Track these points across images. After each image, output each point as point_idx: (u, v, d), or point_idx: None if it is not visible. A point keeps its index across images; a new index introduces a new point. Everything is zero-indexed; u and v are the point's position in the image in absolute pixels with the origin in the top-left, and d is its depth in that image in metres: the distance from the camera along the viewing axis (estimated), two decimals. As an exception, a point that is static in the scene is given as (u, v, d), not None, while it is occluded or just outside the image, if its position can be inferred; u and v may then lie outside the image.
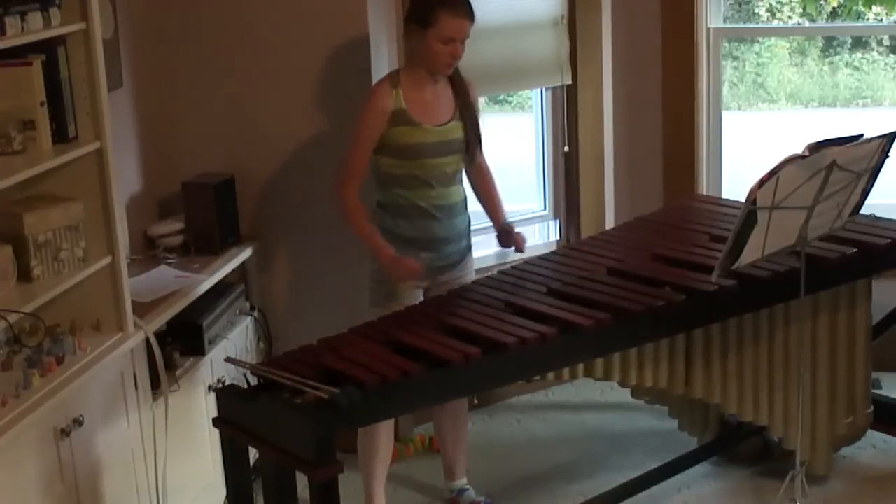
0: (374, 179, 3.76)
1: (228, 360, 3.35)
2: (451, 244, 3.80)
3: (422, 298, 3.76)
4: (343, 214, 3.73)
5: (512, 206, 5.10)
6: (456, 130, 3.73)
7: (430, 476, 4.19)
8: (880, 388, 4.44)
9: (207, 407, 3.74)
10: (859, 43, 8.35)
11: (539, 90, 4.88)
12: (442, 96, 3.73)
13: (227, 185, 4.18)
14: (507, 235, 3.91)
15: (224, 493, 3.46)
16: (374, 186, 3.78)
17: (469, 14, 3.62)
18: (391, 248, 3.65)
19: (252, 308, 4.27)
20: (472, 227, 3.93)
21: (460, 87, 3.77)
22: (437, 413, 4.00)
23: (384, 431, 3.78)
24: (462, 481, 4.05)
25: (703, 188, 5.00)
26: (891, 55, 8.35)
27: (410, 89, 3.66)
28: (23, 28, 2.94)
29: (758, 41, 8.15)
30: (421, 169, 3.68)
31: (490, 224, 4.00)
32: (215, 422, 3.13)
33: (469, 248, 3.90)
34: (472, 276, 3.90)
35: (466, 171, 3.88)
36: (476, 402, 4.71)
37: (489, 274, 3.79)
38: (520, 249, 3.92)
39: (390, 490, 4.08)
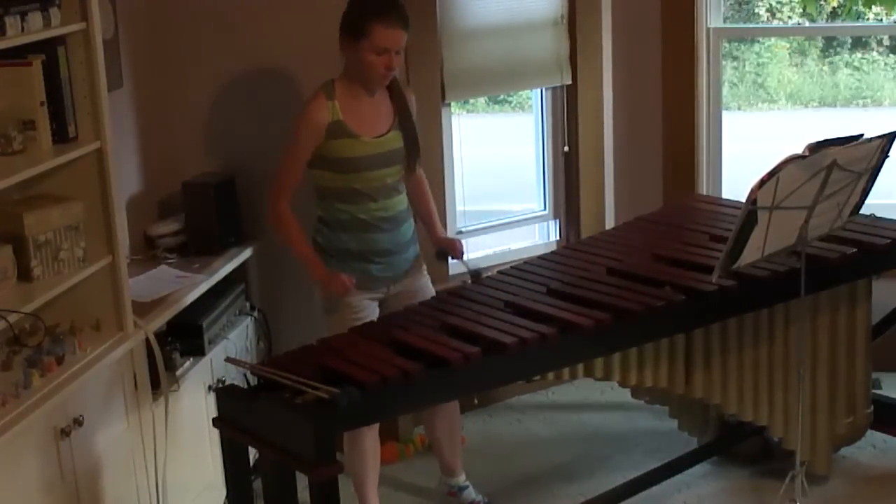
0: (313, 194, 3.72)
1: (228, 360, 3.35)
2: (397, 254, 3.74)
3: (377, 311, 3.73)
4: (275, 227, 3.70)
5: (512, 206, 5.13)
6: (395, 141, 3.67)
7: (430, 477, 4.18)
8: (880, 388, 4.44)
9: (207, 407, 3.74)
10: (859, 43, 8.36)
11: (539, 90, 4.87)
12: (380, 106, 3.66)
13: (227, 185, 4.18)
14: (446, 247, 3.86)
15: (224, 493, 3.46)
16: (313, 201, 3.73)
17: (402, 23, 3.54)
18: (322, 264, 3.64)
19: (252, 308, 4.27)
20: (472, 227, 3.91)
21: (398, 95, 3.70)
22: (429, 416, 3.96)
23: (368, 433, 3.73)
24: (462, 478, 4.04)
25: (703, 188, 5.00)
26: (891, 55, 8.36)
27: (346, 100, 3.59)
28: (23, 28, 2.94)
29: (758, 41, 8.15)
30: (360, 182, 3.62)
31: (483, 226, 3.96)
32: (215, 422, 3.13)
33: (418, 255, 3.84)
34: (428, 281, 3.86)
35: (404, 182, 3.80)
36: (476, 402, 4.71)
37: (489, 274, 3.79)
38: (456, 256, 3.85)
39: (390, 491, 4.08)
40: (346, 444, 3.75)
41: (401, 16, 3.54)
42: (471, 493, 4.02)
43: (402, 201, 3.74)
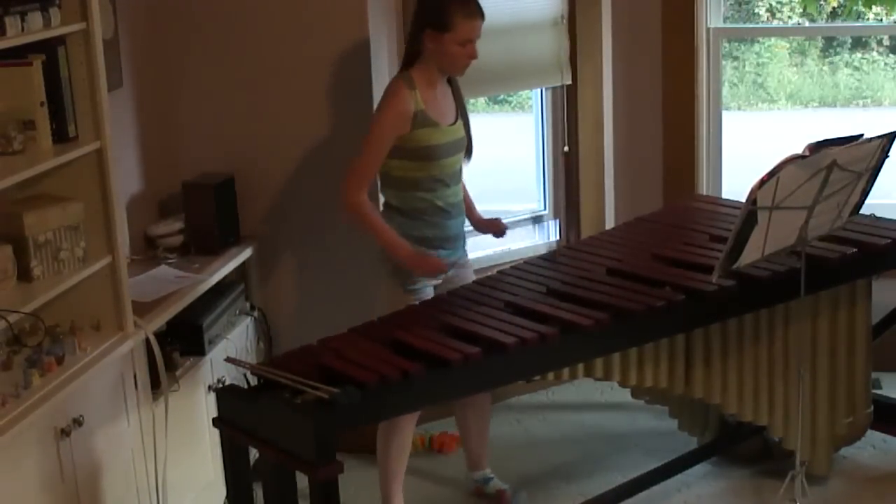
0: (384, 183, 3.76)
1: (228, 360, 3.35)
2: (460, 240, 3.85)
3: (432, 294, 3.77)
4: (354, 217, 3.68)
5: (512, 206, 5.13)
6: (460, 128, 3.78)
7: (429, 476, 4.19)
8: (880, 388, 4.44)
9: (207, 407, 3.74)
10: (859, 43, 8.37)
11: (539, 90, 4.88)
12: (447, 95, 3.78)
13: (227, 185, 4.18)
14: (488, 225, 4.00)
15: (224, 493, 3.46)
16: (382, 190, 3.78)
17: (482, 13, 3.68)
18: (408, 246, 3.67)
19: (252, 308, 4.27)
20: (472, 227, 3.94)
21: (456, 86, 3.81)
22: (460, 407, 4.00)
23: (407, 429, 3.77)
24: (487, 470, 4.09)
25: (703, 188, 5.00)
26: (891, 55, 8.37)
27: (425, 90, 3.68)
28: (23, 28, 2.94)
29: (758, 41, 8.16)
30: (438, 169, 3.70)
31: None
32: (215, 422, 3.13)
33: (466, 241, 3.95)
34: (471, 267, 3.96)
35: None
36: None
37: (489, 274, 3.79)
38: (500, 234, 4.02)
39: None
40: (381, 438, 3.77)
41: (479, 6, 3.67)
42: (497, 482, 4.06)
43: (462, 189, 3.87)
